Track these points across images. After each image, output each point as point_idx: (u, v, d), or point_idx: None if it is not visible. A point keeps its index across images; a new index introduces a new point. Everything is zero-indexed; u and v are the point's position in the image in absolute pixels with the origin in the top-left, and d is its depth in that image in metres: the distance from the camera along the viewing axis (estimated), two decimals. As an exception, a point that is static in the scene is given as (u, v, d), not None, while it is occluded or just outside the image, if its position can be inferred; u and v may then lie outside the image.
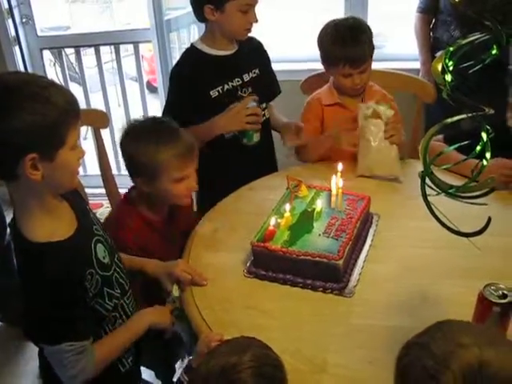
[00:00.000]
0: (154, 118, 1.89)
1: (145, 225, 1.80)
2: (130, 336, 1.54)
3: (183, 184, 1.77)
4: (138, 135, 1.78)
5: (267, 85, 2.39)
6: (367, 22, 3.31)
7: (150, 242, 1.79)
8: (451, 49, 1.03)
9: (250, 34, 2.24)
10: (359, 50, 2.14)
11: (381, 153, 2.09)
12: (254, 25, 2.17)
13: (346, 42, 2.14)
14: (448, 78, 1.00)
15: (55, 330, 1.34)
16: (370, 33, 2.20)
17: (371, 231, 1.79)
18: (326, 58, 2.24)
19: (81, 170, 3.07)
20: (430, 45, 3.00)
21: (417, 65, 3.12)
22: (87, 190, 2.61)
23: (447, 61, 1.02)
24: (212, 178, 2.28)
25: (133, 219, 1.80)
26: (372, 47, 2.19)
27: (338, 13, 3.47)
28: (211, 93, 2.19)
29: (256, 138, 2.19)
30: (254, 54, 2.34)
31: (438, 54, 2.81)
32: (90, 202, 2.43)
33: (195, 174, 1.81)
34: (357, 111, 2.15)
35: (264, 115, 2.30)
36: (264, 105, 2.33)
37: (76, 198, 1.46)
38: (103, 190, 2.43)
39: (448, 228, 1.11)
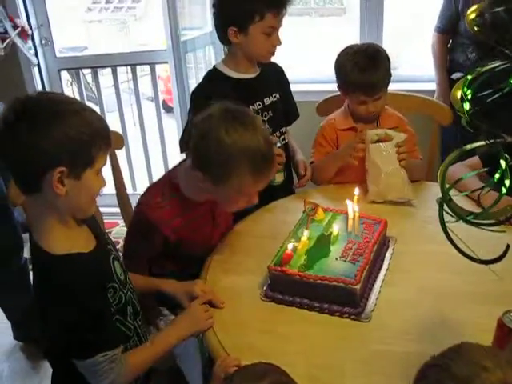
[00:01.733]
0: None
1: (187, 207, 1.78)
2: (166, 346, 1.53)
3: (246, 199, 1.72)
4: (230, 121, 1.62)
5: (287, 109, 2.40)
6: (382, 43, 3.37)
7: (188, 227, 1.79)
8: (469, 77, 1.03)
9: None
10: (376, 79, 2.14)
11: (390, 177, 2.09)
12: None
13: (365, 69, 2.14)
14: (466, 106, 1.01)
15: (87, 343, 1.34)
16: (388, 61, 2.20)
17: (388, 255, 1.78)
18: (342, 85, 2.25)
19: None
20: (447, 66, 3.00)
21: (431, 86, 3.13)
22: (102, 210, 2.63)
23: (465, 89, 1.02)
24: None
25: (173, 198, 1.77)
26: (389, 75, 2.20)
27: (354, 33, 3.49)
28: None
29: (279, 177, 2.17)
30: (275, 78, 2.36)
31: (454, 75, 2.86)
32: (105, 221, 2.45)
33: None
34: (365, 137, 2.15)
35: (284, 139, 2.33)
36: (284, 129, 2.35)
37: (91, 221, 1.48)
38: (118, 209, 2.44)
39: (466, 255, 1.11)
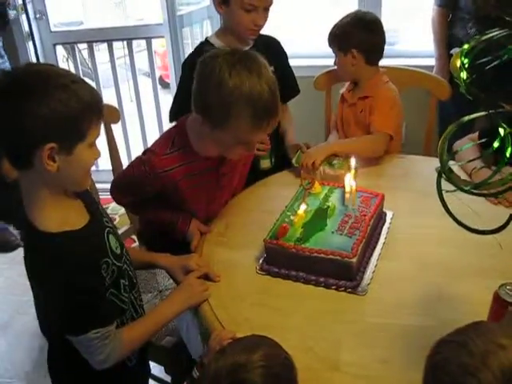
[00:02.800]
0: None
1: (192, 159, 1.76)
2: (162, 320, 1.53)
3: (244, 148, 1.70)
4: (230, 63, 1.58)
5: (283, 85, 2.35)
6: (381, 17, 3.34)
7: (189, 179, 1.78)
8: (466, 46, 1.02)
9: (266, 33, 2.24)
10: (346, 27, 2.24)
11: None
12: (270, 21, 2.15)
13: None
14: (463, 75, 0.99)
15: (80, 319, 1.34)
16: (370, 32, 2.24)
17: (385, 229, 1.78)
18: None
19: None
20: (447, 40, 2.97)
21: (430, 62, 3.10)
22: (98, 186, 2.62)
23: (463, 58, 1.00)
24: None
25: (180, 149, 1.75)
26: (361, 42, 2.21)
27: (352, 8, 3.45)
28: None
29: (265, 164, 2.15)
30: (270, 52, 2.29)
31: (453, 51, 2.83)
32: (101, 196, 2.44)
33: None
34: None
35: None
36: None
37: (85, 195, 1.46)
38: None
39: (466, 226, 1.10)
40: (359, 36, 2.20)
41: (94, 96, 1.28)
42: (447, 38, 2.97)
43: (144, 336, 1.50)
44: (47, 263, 1.29)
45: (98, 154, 1.34)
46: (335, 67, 2.37)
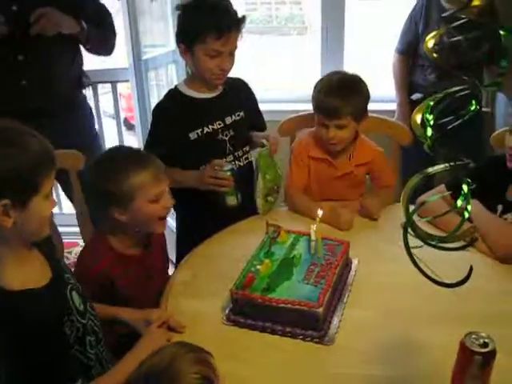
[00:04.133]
0: (118, 148, 1.89)
1: (118, 260, 1.77)
2: (127, 373, 1.47)
3: (160, 203, 1.76)
4: (106, 167, 1.75)
5: (252, 126, 2.38)
6: (343, 62, 3.40)
7: (121, 277, 1.76)
8: (431, 103, 1.03)
9: (235, 75, 2.26)
10: (338, 103, 2.11)
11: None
12: (236, 65, 2.16)
13: (330, 92, 2.13)
14: (429, 132, 1.01)
15: (44, 379, 1.30)
16: (362, 94, 2.19)
17: (351, 276, 1.78)
18: (312, 104, 2.24)
19: (56, 208, 3.03)
20: (408, 86, 3.04)
21: (391, 106, 3.16)
22: (62, 229, 2.57)
23: (427, 115, 1.02)
24: (192, 220, 2.31)
25: (105, 254, 1.77)
26: (358, 107, 2.16)
27: (315, 52, 3.51)
28: (190, 135, 2.18)
29: (231, 201, 2.14)
30: (239, 96, 2.33)
31: (414, 96, 2.90)
32: (64, 240, 2.40)
33: (168, 192, 1.81)
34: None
35: (247, 158, 2.31)
36: (247, 148, 2.33)
37: (47, 246, 1.44)
38: (78, 229, 2.39)
39: (431, 279, 1.10)
40: (365, 100, 2.21)
41: (44, 146, 1.27)
42: (408, 84, 3.04)
43: None
44: (8, 322, 1.25)
45: (53, 204, 1.33)
46: (300, 114, 2.40)
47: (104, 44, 2.64)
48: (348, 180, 2.28)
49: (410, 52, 2.98)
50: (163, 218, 1.81)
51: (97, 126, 3.12)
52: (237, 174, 2.12)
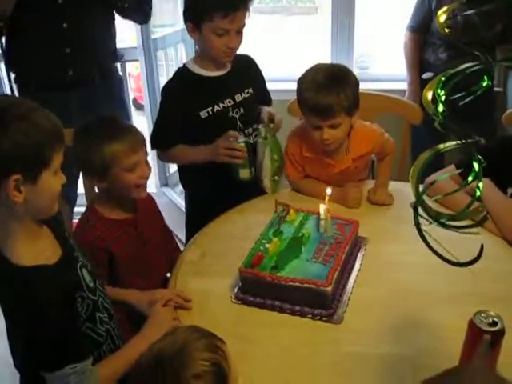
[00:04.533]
0: (100, 119, 1.85)
1: (109, 226, 1.79)
2: (136, 355, 1.48)
3: (136, 173, 1.77)
4: (83, 137, 1.77)
5: (260, 102, 2.37)
6: (354, 42, 3.37)
7: (117, 242, 1.78)
8: (443, 78, 1.02)
9: (243, 52, 2.25)
10: (331, 101, 1.91)
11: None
12: (243, 44, 2.15)
13: (320, 89, 1.93)
14: (440, 108, 0.99)
15: (56, 355, 1.31)
16: (353, 86, 1.98)
17: (360, 255, 1.78)
18: (299, 104, 2.05)
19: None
20: (419, 65, 3.01)
21: (402, 85, 3.14)
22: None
23: (439, 91, 1.01)
24: (201, 198, 2.31)
25: (96, 221, 1.79)
26: (351, 102, 1.95)
27: (325, 31, 3.49)
28: (201, 114, 2.17)
29: (244, 174, 2.14)
30: (247, 73, 2.32)
31: (425, 75, 2.88)
32: (75, 221, 2.41)
33: (146, 163, 1.82)
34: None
35: (256, 135, 2.28)
36: (256, 125, 2.30)
37: (56, 224, 1.44)
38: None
39: (442, 257, 1.09)
40: (355, 90, 2.01)
41: (54, 122, 1.28)
42: (419, 63, 3.01)
43: (119, 372, 1.45)
44: (22, 298, 1.27)
45: (63, 180, 1.33)
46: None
47: (142, 7, 2.62)
48: (347, 174, 2.17)
49: (422, 30, 2.95)
50: (139, 186, 1.82)
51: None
52: (250, 147, 2.13)
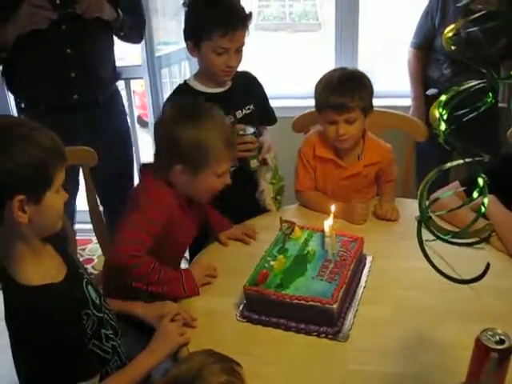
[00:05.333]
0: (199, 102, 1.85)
1: (174, 197, 1.81)
2: (142, 371, 1.48)
3: (222, 179, 1.79)
4: (190, 117, 1.75)
5: (263, 118, 2.38)
6: (357, 58, 3.39)
7: (177, 211, 1.81)
8: (443, 98, 1.02)
9: (244, 69, 2.26)
10: (346, 99, 2.03)
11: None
12: (247, 62, 2.17)
13: (336, 88, 2.06)
14: (442, 127, 0.99)
15: (64, 373, 1.31)
16: (367, 87, 2.11)
17: (365, 272, 1.77)
18: (316, 105, 2.17)
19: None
20: (423, 81, 3.02)
21: (405, 102, 3.14)
22: (76, 226, 2.58)
23: (440, 109, 1.01)
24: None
25: (165, 191, 1.79)
26: (366, 101, 2.07)
27: (329, 48, 3.50)
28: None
29: (254, 163, 2.17)
30: (248, 89, 2.33)
31: (429, 91, 2.88)
32: (78, 238, 2.41)
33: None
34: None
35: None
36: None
37: (59, 241, 1.45)
38: (91, 226, 2.39)
39: (445, 275, 1.09)
40: (370, 93, 2.13)
41: (55, 141, 1.28)
42: (423, 79, 3.02)
43: None
44: (30, 317, 1.27)
45: (65, 197, 1.35)
46: (313, 109, 2.38)
47: (136, 31, 2.66)
48: (357, 180, 2.21)
49: (425, 46, 2.96)
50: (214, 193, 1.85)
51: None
52: (257, 136, 2.17)
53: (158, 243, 1.76)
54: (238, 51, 2.12)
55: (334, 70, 2.17)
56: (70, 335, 1.30)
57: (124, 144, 2.79)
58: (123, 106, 2.89)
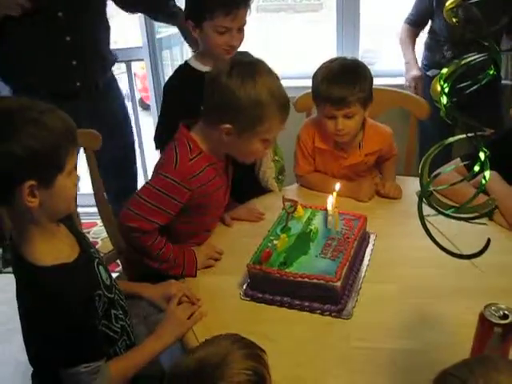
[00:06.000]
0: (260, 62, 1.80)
1: (209, 164, 1.80)
2: (150, 355, 1.49)
3: (265, 144, 1.77)
4: (248, 74, 1.70)
5: None
6: (359, 38, 3.36)
7: (206, 170, 1.79)
8: (445, 71, 1.01)
9: (245, 49, 2.24)
10: (345, 92, 1.97)
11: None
12: (248, 42, 2.15)
13: (334, 81, 1.99)
14: (444, 100, 0.99)
15: (71, 352, 1.31)
16: (367, 79, 2.04)
17: (368, 251, 1.78)
18: (313, 97, 2.11)
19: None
20: (424, 63, 3.00)
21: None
22: (80, 210, 2.58)
23: (442, 83, 1.00)
24: None
25: (197, 156, 1.77)
26: (365, 95, 2.01)
27: (330, 28, 3.48)
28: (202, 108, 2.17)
29: None
30: None
31: (431, 72, 2.86)
32: (83, 221, 2.41)
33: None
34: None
35: None
36: None
37: (71, 222, 1.44)
38: (96, 209, 2.40)
39: (446, 250, 1.09)
40: (370, 83, 2.06)
41: (66, 123, 1.25)
42: (424, 61, 3.00)
43: (131, 372, 1.46)
44: (42, 297, 1.27)
45: (78, 179, 1.32)
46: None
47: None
48: (357, 168, 2.20)
49: (420, 23, 2.94)
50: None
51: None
52: None
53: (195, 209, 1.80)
54: (240, 30, 2.11)
55: (332, 61, 2.08)
56: (82, 315, 1.30)
57: (124, 127, 2.78)
58: (119, 89, 2.88)
